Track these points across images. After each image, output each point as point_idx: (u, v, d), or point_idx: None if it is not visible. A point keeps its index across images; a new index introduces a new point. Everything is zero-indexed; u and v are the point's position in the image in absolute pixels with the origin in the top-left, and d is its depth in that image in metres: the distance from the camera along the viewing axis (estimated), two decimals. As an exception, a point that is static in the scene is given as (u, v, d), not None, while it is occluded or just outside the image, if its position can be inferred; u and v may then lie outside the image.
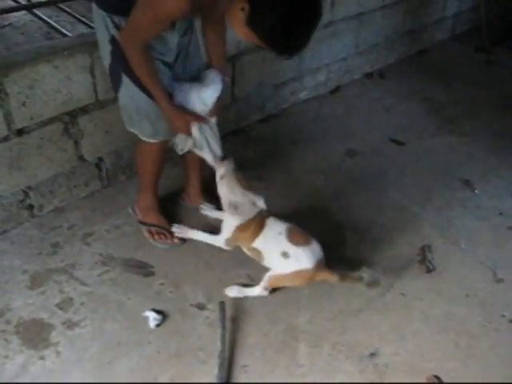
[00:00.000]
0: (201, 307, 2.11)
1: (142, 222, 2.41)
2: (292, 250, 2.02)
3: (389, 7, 3.70)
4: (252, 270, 2.25)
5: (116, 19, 1.90)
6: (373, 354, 1.97)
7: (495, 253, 2.43)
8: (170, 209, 2.53)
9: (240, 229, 2.10)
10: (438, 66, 4.07)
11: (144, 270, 2.24)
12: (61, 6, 3.10)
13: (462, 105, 3.58)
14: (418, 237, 2.49)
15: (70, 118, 2.34)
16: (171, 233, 2.34)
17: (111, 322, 2.03)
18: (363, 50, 3.73)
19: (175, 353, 1.94)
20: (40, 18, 2.97)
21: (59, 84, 2.23)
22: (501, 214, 2.66)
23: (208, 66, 2.17)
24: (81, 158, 2.48)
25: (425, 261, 2.35)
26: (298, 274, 2.02)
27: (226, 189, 2.10)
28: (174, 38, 2.00)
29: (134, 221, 2.44)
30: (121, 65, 1.96)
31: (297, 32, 1.68)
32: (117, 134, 2.52)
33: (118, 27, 1.90)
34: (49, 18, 2.91)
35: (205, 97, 2.09)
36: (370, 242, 2.45)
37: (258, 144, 3.07)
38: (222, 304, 2.05)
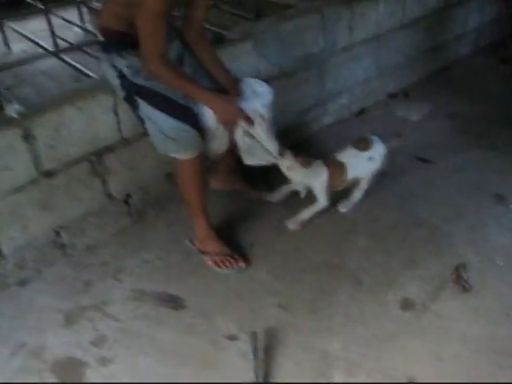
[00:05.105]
0: (233, 338, 2.09)
1: (203, 252, 2.42)
2: (370, 152, 2.56)
3: (407, 26, 3.68)
4: (283, 299, 2.23)
5: (122, 54, 2.09)
6: (411, 380, 1.91)
7: (534, 268, 2.35)
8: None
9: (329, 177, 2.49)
10: (462, 81, 4.02)
11: (175, 303, 2.25)
12: (86, 50, 3.24)
13: (490, 118, 3.51)
14: (452, 256, 2.42)
15: (96, 157, 2.39)
16: (234, 258, 2.37)
17: (144, 356, 2.04)
18: (385, 70, 3.71)
19: (209, 386, 1.93)
20: (68, 64, 3.09)
21: (84, 125, 2.28)
22: (538, 228, 2.58)
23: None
24: (109, 196, 2.52)
25: (460, 280, 2.28)
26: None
27: (300, 171, 2.42)
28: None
29: (163, 254, 2.46)
30: (132, 89, 2.10)
31: None
32: (143, 171, 2.57)
33: (123, 57, 2.09)
34: (78, 63, 3.03)
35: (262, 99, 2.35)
36: (401, 263, 2.40)
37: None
38: (254, 334, 2.03)
